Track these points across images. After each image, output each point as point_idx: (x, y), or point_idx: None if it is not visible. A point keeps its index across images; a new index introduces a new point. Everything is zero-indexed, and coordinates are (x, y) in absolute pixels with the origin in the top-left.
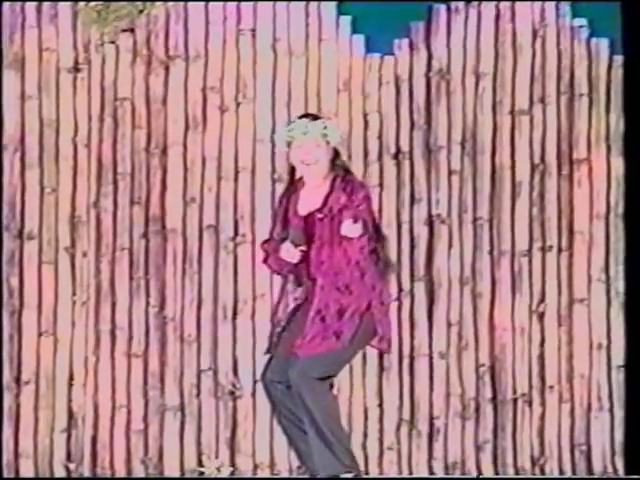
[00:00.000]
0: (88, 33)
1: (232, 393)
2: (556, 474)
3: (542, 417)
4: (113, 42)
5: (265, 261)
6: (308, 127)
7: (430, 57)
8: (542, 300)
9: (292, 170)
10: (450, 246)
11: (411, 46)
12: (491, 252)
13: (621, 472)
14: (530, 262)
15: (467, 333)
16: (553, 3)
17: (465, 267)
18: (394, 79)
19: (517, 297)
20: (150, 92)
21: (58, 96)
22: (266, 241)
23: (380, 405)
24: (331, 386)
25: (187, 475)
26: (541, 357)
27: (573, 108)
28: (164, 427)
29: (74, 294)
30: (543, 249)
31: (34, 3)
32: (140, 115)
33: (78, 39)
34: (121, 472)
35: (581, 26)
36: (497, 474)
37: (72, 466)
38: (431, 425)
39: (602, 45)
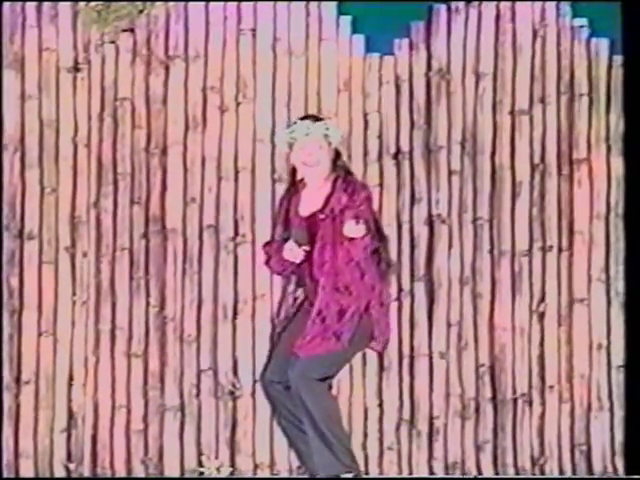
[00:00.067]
0: (88, 33)
1: (232, 393)
2: (556, 474)
3: (542, 417)
4: (113, 42)
5: (267, 263)
6: (310, 128)
7: (430, 57)
8: (542, 300)
9: (293, 171)
10: (450, 246)
11: (411, 46)
12: (491, 252)
13: (621, 472)
14: (530, 262)
15: (467, 333)
16: (553, 3)
17: (465, 267)
18: (394, 79)
19: (517, 297)
20: (150, 92)
21: (58, 96)
22: (268, 243)
23: (380, 405)
24: (330, 387)
25: (187, 475)
26: (541, 357)
27: (573, 108)
28: (164, 427)
29: (74, 294)
30: (543, 249)
31: (34, 3)
32: (140, 115)
33: (78, 39)
34: (121, 472)
35: (581, 26)
36: (497, 474)
37: (72, 466)
38: (431, 425)
39: (602, 45)
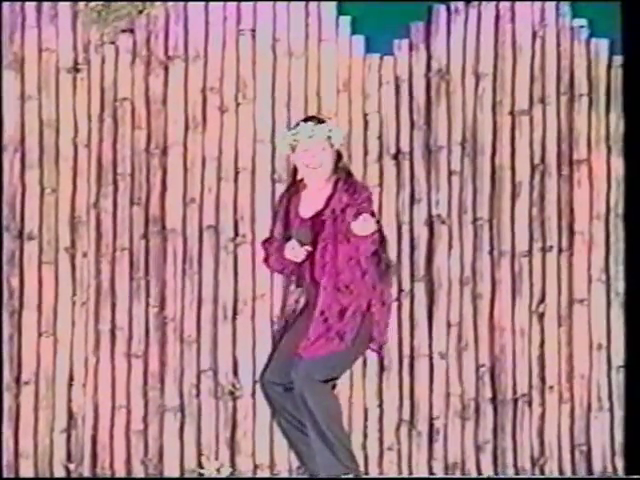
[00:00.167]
0: (88, 33)
1: (232, 393)
2: (556, 474)
3: (542, 417)
4: (113, 42)
5: (266, 260)
6: (314, 130)
7: (430, 57)
8: (542, 300)
9: (294, 171)
10: (450, 246)
11: (411, 46)
12: (491, 252)
13: (621, 472)
14: (530, 262)
15: (467, 333)
16: (553, 3)
17: (465, 267)
18: (394, 79)
19: (517, 297)
20: (150, 92)
21: (58, 96)
22: (267, 240)
23: (380, 405)
24: (333, 388)
25: (187, 475)
26: (541, 357)
27: (573, 108)
28: (164, 427)
29: (74, 294)
30: (543, 249)
31: (34, 3)
32: (140, 115)
33: (78, 39)
34: (121, 472)
35: (581, 26)
36: (497, 474)
37: (72, 466)
38: (431, 425)
39: (602, 45)
